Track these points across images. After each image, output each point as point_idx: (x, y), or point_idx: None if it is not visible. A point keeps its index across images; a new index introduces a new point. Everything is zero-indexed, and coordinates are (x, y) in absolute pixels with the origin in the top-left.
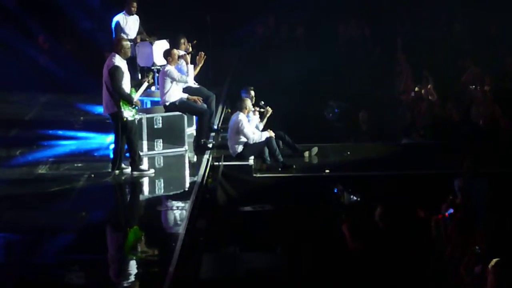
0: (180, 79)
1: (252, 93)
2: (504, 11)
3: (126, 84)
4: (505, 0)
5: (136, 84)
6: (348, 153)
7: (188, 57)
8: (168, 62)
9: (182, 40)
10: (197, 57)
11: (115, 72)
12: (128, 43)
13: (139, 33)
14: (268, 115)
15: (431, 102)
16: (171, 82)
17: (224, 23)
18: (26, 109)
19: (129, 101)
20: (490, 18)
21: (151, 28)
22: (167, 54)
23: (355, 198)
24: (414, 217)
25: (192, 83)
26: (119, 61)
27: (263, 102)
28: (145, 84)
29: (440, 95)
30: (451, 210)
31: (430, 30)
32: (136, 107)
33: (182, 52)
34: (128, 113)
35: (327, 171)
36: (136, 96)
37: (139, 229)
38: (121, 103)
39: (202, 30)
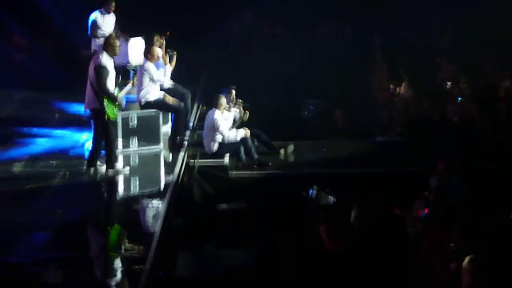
0: (157, 78)
1: (233, 92)
2: (482, 10)
3: (111, 82)
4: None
5: (120, 84)
6: (324, 149)
7: (167, 59)
8: (148, 59)
9: (156, 38)
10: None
11: (101, 70)
12: (117, 41)
13: (114, 30)
14: (244, 118)
15: (407, 100)
16: (149, 80)
17: (200, 21)
18: (1, 106)
19: (113, 99)
20: (469, 17)
21: (126, 25)
22: (147, 51)
23: (331, 197)
24: (390, 214)
25: (168, 82)
26: (106, 59)
27: (241, 101)
28: (129, 85)
29: (416, 93)
30: (427, 208)
31: (407, 29)
32: (119, 105)
33: (160, 52)
34: (111, 112)
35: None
36: (120, 95)
37: (115, 227)
38: (105, 101)
39: (178, 27)
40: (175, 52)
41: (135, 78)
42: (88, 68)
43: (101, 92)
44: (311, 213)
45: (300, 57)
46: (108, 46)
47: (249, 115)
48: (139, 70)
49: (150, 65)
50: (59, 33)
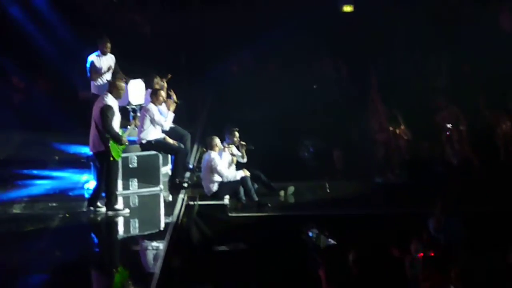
0: (158, 121)
1: (236, 134)
2: (477, 50)
3: (116, 124)
4: (478, 39)
5: (123, 125)
6: (328, 190)
7: (172, 105)
8: (152, 101)
9: (156, 80)
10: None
11: (107, 111)
12: (123, 85)
13: (115, 72)
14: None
15: (405, 141)
16: (151, 121)
17: (198, 62)
18: (0, 148)
19: (118, 140)
20: (463, 56)
21: (125, 67)
22: (153, 93)
23: (330, 239)
24: (389, 256)
25: (169, 126)
26: (112, 101)
27: (244, 143)
28: (132, 126)
29: (414, 134)
30: (425, 249)
31: (404, 69)
32: (123, 147)
33: (163, 94)
34: (116, 154)
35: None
36: (124, 135)
37: (114, 269)
38: (110, 143)
39: (176, 68)
40: (177, 102)
41: (137, 119)
42: (92, 110)
43: (107, 133)
44: (309, 255)
45: (297, 98)
46: (113, 88)
47: (249, 156)
48: (141, 111)
49: (153, 107)
50: (57, 75)
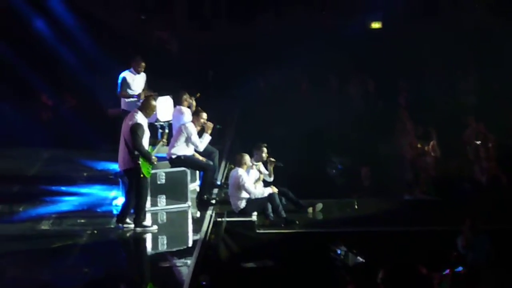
0: (194, 142)
1: (265, 150)
2: (506, 68)
3: (145, 142)
4: (508, 57)
5: (151, 143)
6: (356, 207)
7: (210, 127)
8: (193, 121)
9: (184, 97)
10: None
11: (137, 129)
12: (156, 104)
13: (143, 89)
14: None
15: (434, 158)
16: (186, 139)
17: (226, 78)
18: (29, 164)
19: (148, 158)
20: (492, 74)
21: (153, 83)
22: (195, 114)
23: (358, 256)
24: (417, 274)
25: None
26: (142, 119)
27: (273, 159)
28: (160, 143)
29: (443, 151)
30: (454, 267)
31: (432, 86)
32: (154, 164)
33: (205, 116)
34: (146, 171)
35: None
36: (153, 153)
37: (143, 285)
38: (140, 160)
39: (204, 84)
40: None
41: (165, 137)
42: (122, 127)
43: (138, 151)
44: (337, 272)
45: (327, 114)
46: (146, 107)
47: (277, 173)
48: (179, 127)
49: (192, 127)
50: (85, 92)
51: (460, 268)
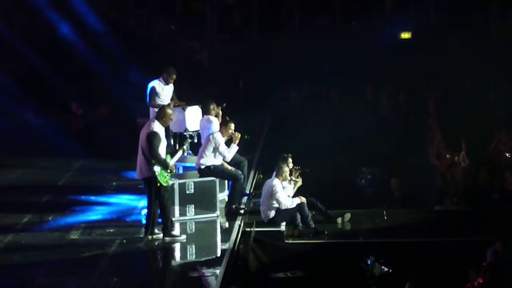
0: (222, 152)
1: (290, 160)
2: None
3: (162, 150)
4: None
5: (171, 151)
6: (385, 217)
7: (237, 138)
8: (221, 131)
9: (212, 106)
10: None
11: (153, 138)
12: (171, 112)
13: (171, 99)
14: (298, 185)
15: (464, 168)
16: (214, 149)
17: (256, 88)
18: (59, 174)
19: (164, 166)
20: None
21: (183, 93)
22: (224, 124)
23: (385, 267)
24: (446, 284)
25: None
26: (158, 128)
27: (298, 167)
28: (180, 152)
29: (473, 161)
30: (484, 278)
31: (462, 97)
32: (172, 172)
33: (233, 127)
34: (164, 180)
35: (361, 238)
36: (172, 162)
37: None
38: (157, 169)
39: (235, 95)
40: (239, 135)
41: (186, 144)
42: (139, 137)
43: (154, 159)
44: (366, 283)
45: (357, 125)
46: (162, 115)
47: (305, 183)
48: (206, 138)
49: (219, 137)
50: (115, 101)
51: (490, 279)
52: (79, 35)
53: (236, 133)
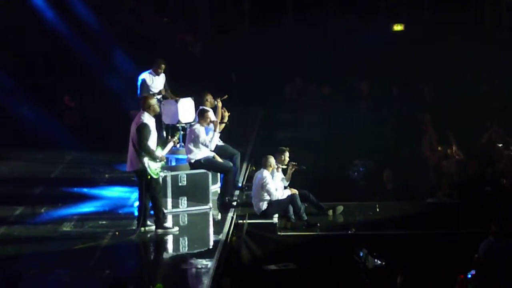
0: (204, 141)
1: (287, 154)
2: None
3: (152, 142)
4: None
5: (162, 143)
6: (378, 209)
7: (218, 125)
8: (199, 122)
9: (207, 97)
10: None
11: (143, 129)
12: (155, 99)
13: (164, 90)
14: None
15: (457, 161)
16: (196, 141)
17: (249, 81)
18: (52, 166)
19: (154, 158)
20: None
21: (176, 85)
22: (200, 114)
23: (378, 260)
24: (438, 277)
25: (218, 139)
26: (148, 119)
27: (294, 163)
28: (171, 143)
29: (465, 154)
30: (476, 271)
31: (454, 90)
32: (162, 164)
33: (213, 118)
34: (154, 172)
35: (352, 230)
36: (163, 153)
37: (163, 287)
38: (147, 161)
39: (227, 87)
40: (227, 123)
41: (177, 135)
42: (130, 129)
43: (143, 151)
44: (358, 275)
45: (349, 118)
46: (147, 106)
47: (298, 175)
48: (189, 131)
49: (198, 128)
50: (107, 93)
51: (482, 272)
52: (72, 28)
53: (215, 120)
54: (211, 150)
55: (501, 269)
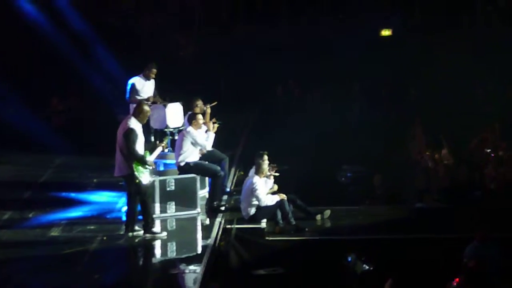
0: (200, 141)
1: (266, 157)
2: None
3: (140, 146)
4: None
5: (150, 148)
6: (366, 215)
7: (211, 125)
8: (191, 125)
9: (197, 103)
10: (211, 125)
11: (130, 134)
12: (149, 109)
13: (152, 97)
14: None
15: (446, 166)
16: (191, 144)
17: (237, 86)
18: (40, 171)
19: (143, 162)
20: (509, 81)
21: (164, 90)
22: (192, 118)
23: (366, 265)
24: (426, 282)
25: (210, 147)
26: (135, 124)
27: (274, 165)
28: (159, 148)
29: (455, 159)
30: (464, 276)
31: (444, 94)
32: (150, 169)
33: (202, 120)
34: (145, 177)
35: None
36: (151, 158)
37: None
38: (135, 166)
39: (216, 92)
40: (218, 123)
41: (166, 140)
42: (117, 134)
43: (131, 156)
44: (347, 280)
45: (338, 122)
46: (139, 112)
47: (286, 180)
48: (180, 135)
49: (193, 130)
50: (96, 98)
51: (470, 277)
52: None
53: (210, 121)
54: (206, 150)
55: (490, 273)
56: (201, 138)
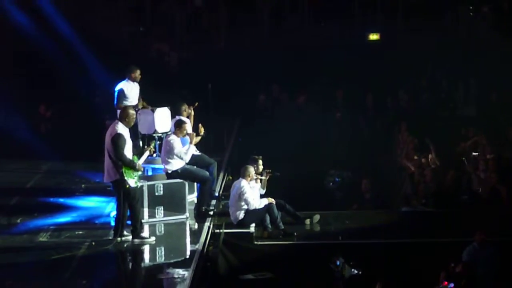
0: (179, 153)
1: (260, 162)
2: (505, 78)
3: (128, 151)
4: (506, 68)
5: (138, 152)
6: (354, 219)
7: (194, 138)
8: (175, 132)
9: (183, 107)
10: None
11: (118, 139)
12: (134, 112)
13: (140, 103)
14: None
15: (433, 170)
16: (172, 152)
17: (225, 90)
18: (28, 176)
19: (131, 167)
20: (492, 85)
21: (152, 95)
22: (177, 125)
23: (355, 269)
24: (415, 285)
25: (194, 151)
26: (122, 129)
27: (269, 170)
28: (147, 152)
29: (442, 163)
30: (454, 280)
31: (430, 98)
32: (139, 173)
33: (190, 130)
34: (132, 181)
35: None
36: (139, 162)
37: None
38: (124, 171)
39: (203, 97)
40: (203, 135)
41: (153, 144)
42: (105, 140)
43: (119, 161)
44: (335, 285)
45: (325, 127)
46: (125, 116)
47: (274, 185)
48: (165, 142)
49: (174, 139)
50: (83, 104)
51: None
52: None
53: (192, 133)
54: (186, 163)
55: (482, 276)
56: (180, 149)
